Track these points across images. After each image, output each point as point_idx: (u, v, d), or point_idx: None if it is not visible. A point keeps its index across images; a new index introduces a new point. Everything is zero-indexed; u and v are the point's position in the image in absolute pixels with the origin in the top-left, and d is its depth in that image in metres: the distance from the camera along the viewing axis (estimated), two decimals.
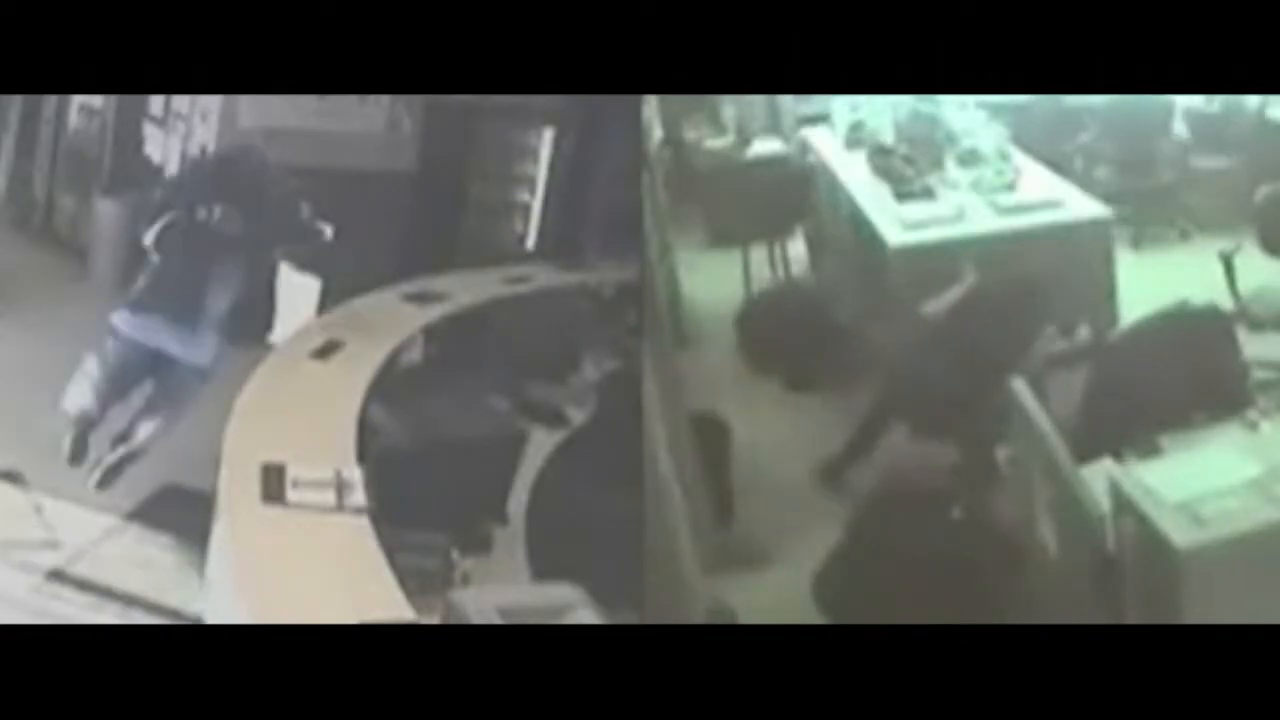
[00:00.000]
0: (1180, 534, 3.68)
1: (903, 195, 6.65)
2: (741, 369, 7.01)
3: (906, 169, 6.87)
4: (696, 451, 5.21)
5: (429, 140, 8.95)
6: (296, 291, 7.34)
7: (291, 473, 4.05)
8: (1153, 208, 7.62)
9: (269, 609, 3.38)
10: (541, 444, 5.12)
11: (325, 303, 7.02)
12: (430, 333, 6.17)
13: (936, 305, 5.62)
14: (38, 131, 9.59)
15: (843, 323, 6.81)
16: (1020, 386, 4.34)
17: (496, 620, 2.90)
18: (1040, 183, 6.67)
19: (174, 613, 5.11)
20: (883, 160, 7.03)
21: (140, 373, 5.51)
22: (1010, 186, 6.58)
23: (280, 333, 6.83)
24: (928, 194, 6.65)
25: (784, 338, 6.86)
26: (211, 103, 8.43)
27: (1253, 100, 7.69)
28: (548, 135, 9.27)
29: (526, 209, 9.37)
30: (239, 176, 5.65)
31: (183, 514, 5.39)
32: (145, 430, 5.50)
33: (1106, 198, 6.50)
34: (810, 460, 5.83)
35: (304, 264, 7.68)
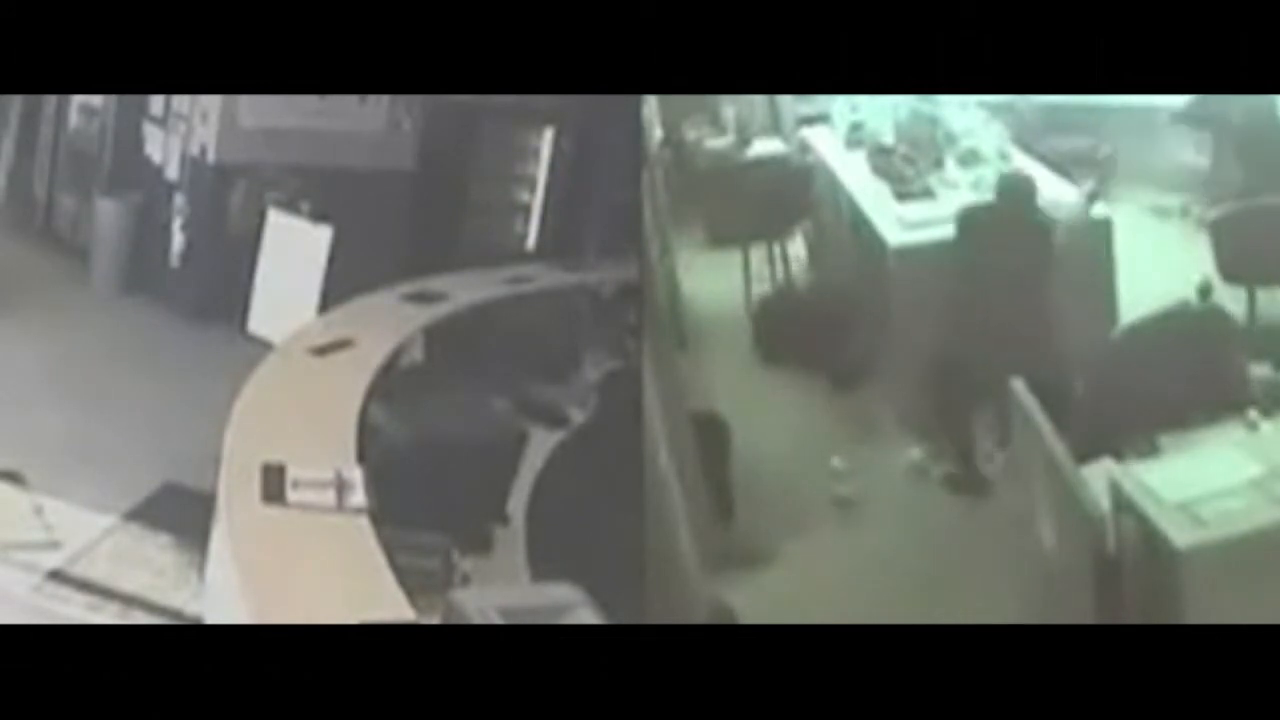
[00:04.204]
0: (1180, 534, 3.68)
1: (903, 195, 6.65)
2: (743, 367, 7.01)
3: (906, 169, 6.87)
4: (696, 451, 5.21)
5: (429, 140, 8.95)
6: (295, 289, 7.34)
7: (291, 473, 4.06)
8: None
9: (269, 609, 3.38)
10: (541, 444, 5.12)
11: (325, 302, 7.02)
12: (430, 333, 6.17)
13: None
14: (38, 131, 9.59)
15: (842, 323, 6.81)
16: (1019, 386, 4.34)
17: (496, 620, 2.90)
18: (1040, 183, 6.65)
19: (174, 613, 5.11)
20: (883, 160, 7.03)
21: None
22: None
23: (268, 325, 6.83)
24: (928, 194, 6.65)
25: (801, 334, 6.87)
26: (211, 103, 8.44)
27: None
28: (548, 135, 9.28)
29: (527, 209, 9.38)
30: None
31: (183, 514, 5.40)
32: None
33: None
34: (810, 460, 5.84)
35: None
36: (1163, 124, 8.03)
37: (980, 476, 5.54)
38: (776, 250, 7.81)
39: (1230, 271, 5.70)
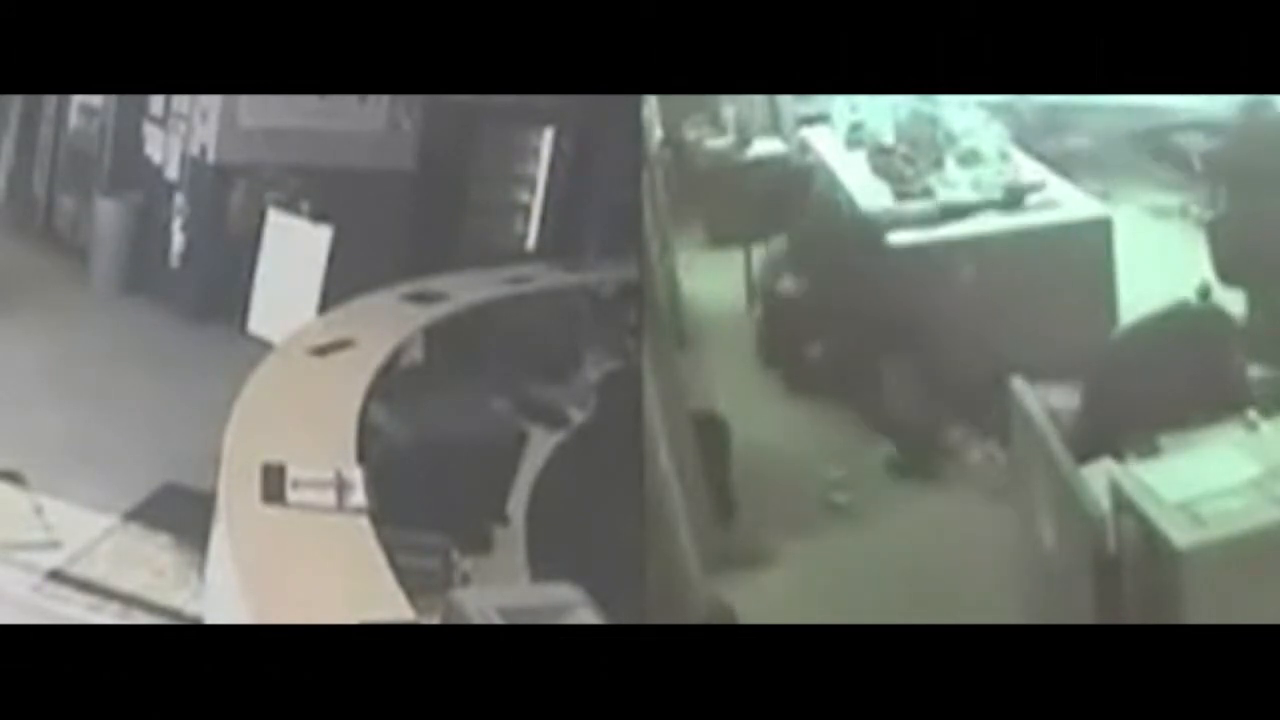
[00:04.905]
0: (1180, 534, 3.68)
1: (903, 195, 6.65)
2: (743, 367, 7.01)
3: (906, 169, 6.87)
4: (696, 451, 5.21)
5: (429, 140, 8.96)
6: (295, 289, 7.34)
7: (291, 473, 4.06)
8: None
9: (269, 609, 3.38)
10: (541, 444, 5.12)
11: (325, 302, 7.02)
12: (430, 333, 6.17)
13: None
14: (38, 131, 9.59)
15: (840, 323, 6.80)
16: (1020, 386, 4.34)
17: (496, 620, 2.90)
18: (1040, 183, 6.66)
19: (174, 613, 5.11)
20: (883, 160, 7.03)
21: None
22: (1010, 186, 6.57)
23: (268, 325, 6.84)
24: (928, 194, 6.65)
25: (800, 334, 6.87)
26: (211, 103, 8.44)
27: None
28: (548, 135, 9.28)
29: (526, 209, 9.38)
30: None
31: (183, 514, 5.40)
32: None
33: None
34: (810, 460, 5.84)
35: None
36: (1162, 124, 8.02)
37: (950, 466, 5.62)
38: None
39: (1227, 273, 5.70)
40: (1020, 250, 6.08)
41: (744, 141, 9.02)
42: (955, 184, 6.73)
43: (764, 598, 4.91)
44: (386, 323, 6.02)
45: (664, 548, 4.32)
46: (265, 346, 5.74)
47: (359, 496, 3.99)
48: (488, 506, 4.41)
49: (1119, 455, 4.15)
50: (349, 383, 5.03)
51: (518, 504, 4.55)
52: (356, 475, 4.09)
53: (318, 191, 8.03)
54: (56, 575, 5.26)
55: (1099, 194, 6.73)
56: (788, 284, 7.56)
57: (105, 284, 8.87)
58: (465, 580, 3.97)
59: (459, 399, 5.11)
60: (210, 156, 8.51)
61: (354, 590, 3.51)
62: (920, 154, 7.02)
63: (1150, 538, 3.75)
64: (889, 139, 7.31)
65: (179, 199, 8.71)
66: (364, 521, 3.89)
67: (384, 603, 3.40)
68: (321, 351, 5.45)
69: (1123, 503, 3.89)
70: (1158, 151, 7.86)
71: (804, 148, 8.32)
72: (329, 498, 3.98)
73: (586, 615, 2.95)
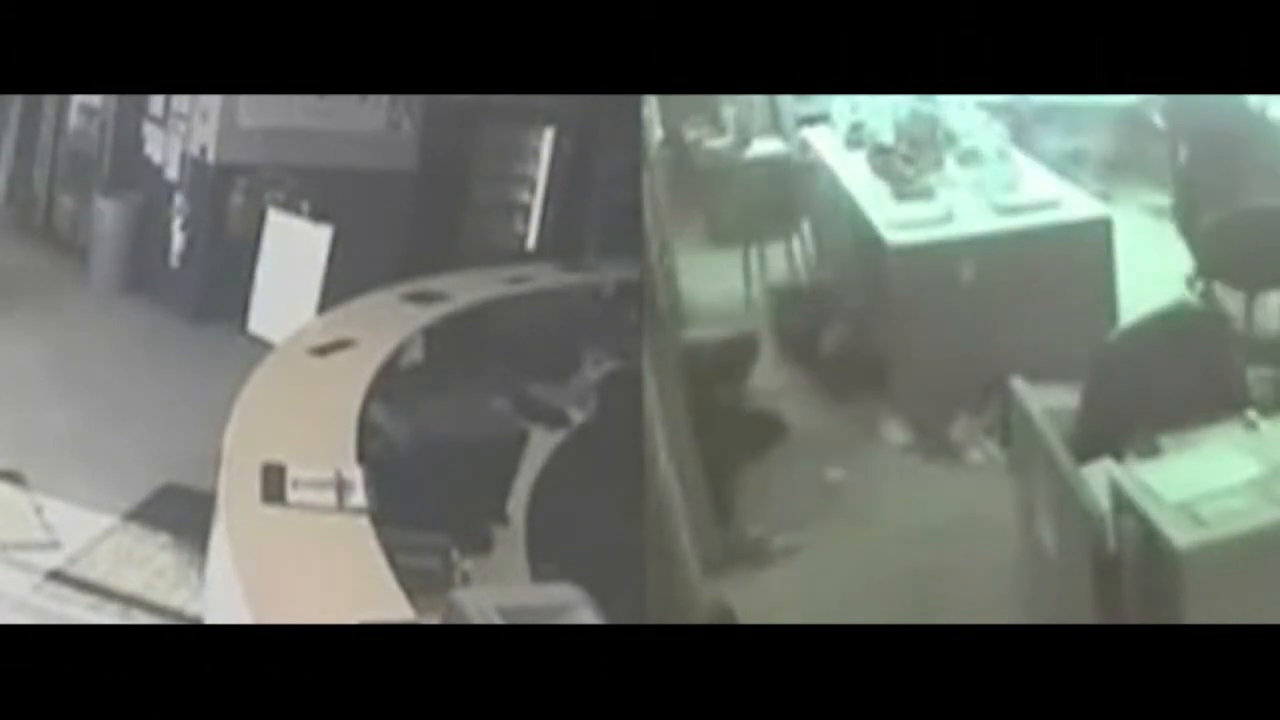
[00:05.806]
0: (1180, 534, 3.68)
1: (903, 195, 6.65)
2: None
3: (906, 169, 6.87)
4: (696, 451, 5.21)
5: (429, 140, 8.97)
6: (295, 289, 7.34)
7: (291, 473, 4.06)
8: None
9: (269, 609, 3.38)
10: (541, 444, 5.12)
11: (325, 302, 7.02)
12: (430, 333, 6.17)
13: None
14: (38, 131, 9.60)
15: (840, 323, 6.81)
16: (1020, 386, 4.34)
17: (496, 620, 2.90)
18: (1040, 183, 6.66)
19: (174, 613, 5.12)
20: (883, 160, 7.03)
21: None
22: (1010, 186, 6.58)
23: (268, 325, 6.84)
24: (928, 194, 6.65)
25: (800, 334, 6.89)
26: (211, 103, 8.45)
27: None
28: (548, 135, 9.29)
29: (527, 209, 9.39)
30: None
31: (183, 514, 5.41)
32: None
33: None
34: (811, 459, 5.84)
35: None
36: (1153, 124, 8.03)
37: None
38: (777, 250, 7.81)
39: (1221, 277, 5.71)
40: (1020, 250, 6.08)
41: (744, 141, 9.01)
42: (955, 184, 6.74)
43: (764, 598, 4.91)
44: (386, 323, 6.02)
45: (664, 548, 4.32)
46: (265, 346, 5.74)
47: (359, 496, 3.99)
48: (488, 506, 4.41)
49: (1119, 455, 4.15)
50: (349, 383, 5.03)
51: (518, 504, 4.55)
52: (356, 475, 4.09)
53: (318, 191, 8.03)
54: (56, 575, 5.26)
55: (1099, 194, 6.73)
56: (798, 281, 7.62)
57: (105, 284, 8.88)
58: (465, 580, 3.96)
59: (459, 399, 5.12)
60: (210, 156, 8.52)
61: (354, 590, 3.51)
62: (920, 154, 7.02)
63: (1150, 538, 3.75)
64: (889, 139, 7.31)
65: (179, 199, 8.72)
66: (364, 521, 3.89)
67: (384, 603, 3.40)
68: (321, 351, 5.46)
69: (1123, 503, 3.89)
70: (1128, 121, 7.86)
71: (804, 148, 8.32)
72: (329, 498, 3.98)
73: (586, 615, 2.95)
